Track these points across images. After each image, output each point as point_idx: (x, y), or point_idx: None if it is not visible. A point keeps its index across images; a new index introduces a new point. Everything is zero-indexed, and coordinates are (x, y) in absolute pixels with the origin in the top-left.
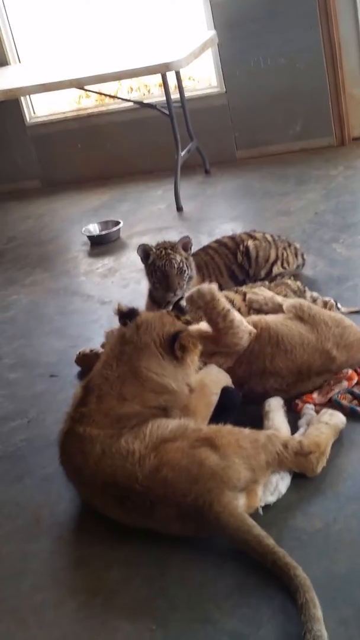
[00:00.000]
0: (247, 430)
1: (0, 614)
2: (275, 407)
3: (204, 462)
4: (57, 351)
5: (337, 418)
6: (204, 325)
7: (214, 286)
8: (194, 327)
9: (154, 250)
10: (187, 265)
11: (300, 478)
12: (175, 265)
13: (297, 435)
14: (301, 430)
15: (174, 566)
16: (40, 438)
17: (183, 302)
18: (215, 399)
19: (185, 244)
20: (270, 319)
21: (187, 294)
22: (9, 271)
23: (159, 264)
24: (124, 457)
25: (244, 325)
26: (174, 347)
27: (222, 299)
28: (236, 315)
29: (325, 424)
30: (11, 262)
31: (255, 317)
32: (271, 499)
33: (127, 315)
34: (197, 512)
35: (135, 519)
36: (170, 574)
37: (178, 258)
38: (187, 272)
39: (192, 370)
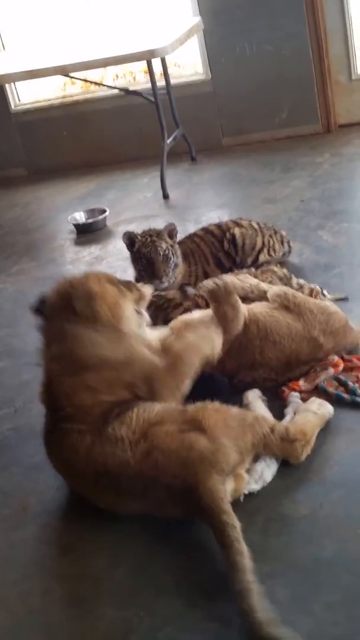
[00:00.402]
0: (234, 409)
1: None
2: (254, 398)
3: (193, 446)
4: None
5: (326, 408)
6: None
7: (232, 278)
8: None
9: (139, 237)
10: (172, 253)
11: (286, 465)
12: (161, 253)
13: (284, 422)
14: (287, 417)
15: (161, 553)
16: (27, 427)
17: (190, 289)
18: (192, 372)
19: (171, 231)
20: (257, 310)
21: (205, 285)
22: None
23: (144, 252)
24: (114, 444)
25: (243, 311)
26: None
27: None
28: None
29: (313, 413)
30: None
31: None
32: (255, 487)
33: (39, 309)
34: (184, 495)
35: (129, 504)
36: (157, 561)
37: (164, 245)
38: (172, 259)
39: (122, 324)
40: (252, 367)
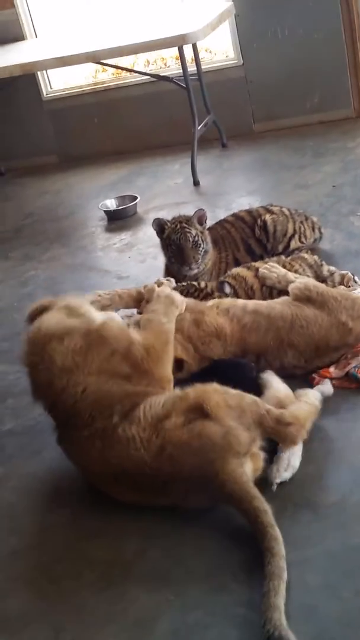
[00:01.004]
0: (232, 390)
1: (21, 585)
2: (270, 375)
3: (202, 434)
4: None
5: (314, 396)
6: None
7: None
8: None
9: (169, 224)
10: (202, 239)
11: (315, 452)
12: (191, 239)
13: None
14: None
15: (190, 537)
16: None
17: (227, 288)
18: (170, 327)
19: (201, 217)
20: (279, 303)
21: (295, 285)
22: (26, 247)
23: (174, 238)
24: (126, 446)
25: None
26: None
27: None
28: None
29: (304, 402)
30: (28, 238)
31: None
32: (286, 475)
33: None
34: (206, 484)
35: (152, 499)
36: (187, 545)
37: (193, 232)
38: (202, 245)
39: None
40: (279, 347)
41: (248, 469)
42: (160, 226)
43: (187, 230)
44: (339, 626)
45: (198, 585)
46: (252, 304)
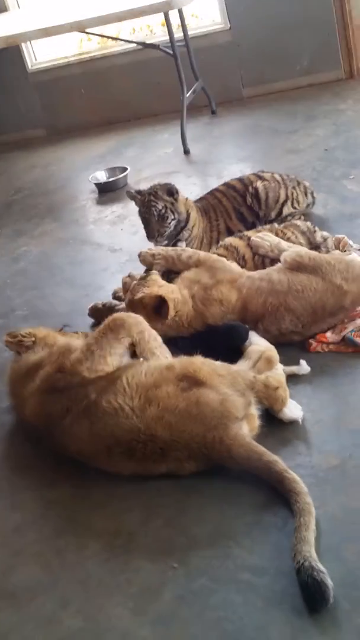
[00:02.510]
0: (216, 361)
1: (25, 558)
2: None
3: (200, 400)
4: (69, 301)
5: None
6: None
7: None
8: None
9: (138, 197)
10: (171, 211)
11: (315, 417)
12: (155, 213)
13: None
14: None
15: (193, 506)
16: None
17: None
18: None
19: (170, 189)
20: (275, 274)
21: (287, 253)
22: (17, 222)
23: (142, 211)
24: (114, 416)
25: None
26: None
27: None
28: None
29: (278, 369)
30: (19, 213)
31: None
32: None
33: None
34: (208, 449)
35: (150, 467)
36: (189, 514)
37: (159, 205)
38: (170, 217)
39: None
40: (277, 312)
41: (245, 430)
42: (132, 198)
43: (153, 203)
44: (342, 588)
45: (201, 553)
46: (257, 273)
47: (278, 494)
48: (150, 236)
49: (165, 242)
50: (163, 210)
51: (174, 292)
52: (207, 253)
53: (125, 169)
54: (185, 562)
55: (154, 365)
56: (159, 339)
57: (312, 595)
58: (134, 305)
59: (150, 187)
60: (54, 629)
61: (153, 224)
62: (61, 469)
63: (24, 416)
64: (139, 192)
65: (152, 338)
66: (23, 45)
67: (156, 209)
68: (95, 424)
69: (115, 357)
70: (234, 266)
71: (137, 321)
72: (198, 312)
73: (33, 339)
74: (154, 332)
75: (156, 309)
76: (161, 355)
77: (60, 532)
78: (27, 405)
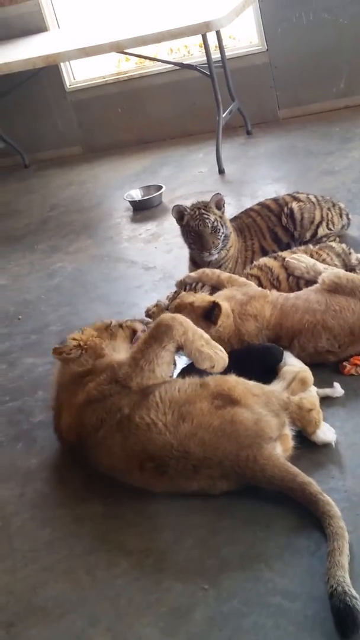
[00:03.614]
0: (249, 381)
1: (55, 575)
2: (287, 355)
3: (235, 419)
4: (103, 317)
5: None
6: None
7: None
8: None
9: (188, 210)
10: (221, 224)
11: (349, 438)
12: (209, 225)
13: None
14: None
15: (224, 527)
16: None
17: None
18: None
19: (218, 202)
20: (313, 294)
21: (326, 275)
22: (53, 239)
23: (193, 224)
24: (147, 431)
25: None
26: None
27: None
28: None
29: (312, 391)
30: (55, 230)
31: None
32: (332, 436)
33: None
34: (241, 468)
35: (181, 484)
36: (221, 535)
37: (212, 217)
38: (221, 230)
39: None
40: (314, 329)
41: (279, 450)
42: (179, 213)
43: (206, 216)
44: None
45: (232, 575)
46: (293, 293)
47: (310, 517)
48: (205, 248)
49: (216, 255)
50: (215, 223)
51: (223, 302)
52: (233, 275)
53: (160, 188)
54: (216, 584)
55: (187, 381)
56: (206, 336)
57: (343, 621)
58: (182, 309)
59: (195, 203)
60: None
61: (207, 236)
62: (92, 487)
63: (57, 425)
64: (186, 207)
65: (198, 336)
66: (62, 64)
67: (209, 221)
68: (128, 438)
69: (163, 367)
70: (259, 289)
71: (179, 322)
72: (236, 328)
73: (79, 352)
74: (199, 330)
75: (206, 315)
76: (210, 352)
77: (90, 549)
78: (63, 415)
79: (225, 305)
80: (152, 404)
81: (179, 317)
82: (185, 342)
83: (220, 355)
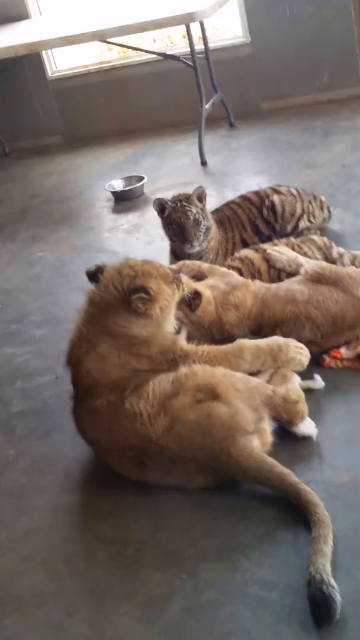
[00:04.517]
0: (238, 374)
1: (33, 566)
2: None
3: (212, 413)
4: None
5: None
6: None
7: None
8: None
9: (169, 203)
10: (202, 216)
11: (328, 431)
12: (191, 217)
13: None
14: None
15: (202, 518)
16: (68, 393)
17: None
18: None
19: (200, 195)
20: (296, 284)
21: (308, 266)
22: (33, 228)
23: (174, 217)
24: (132, 419)
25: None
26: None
27: None
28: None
29: (296, 382)
30: (35, 220)
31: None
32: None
33: (95, 275)
34: (215, 462)
35: (158, 477)
36: (199, 525)
37: (193, 209)
38: (203, 222)
39: (164, 322)
40: (297, 320)
41: (256, 444)
42: (160, 206)
43: (188, 208)
44: (352, 606)
45: (210, 565)
46: (276, 284)
47: (288, 509)
48: (187, 240)
49: (198, 247)
50: (197, 215)
51: (205, 290)
52: (214, 265)
53: (141, 178)
54: (193, 574)
55: (179, 372)
56: (273, 343)
57: (318, 609)
58: None
59: (177, 195)
60: (60, 637)
61: (189, 228)
62: (71, 477)
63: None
64: (167, 200)
65: (269, 355)
66: (44, 52)
67: (191, 213)
68: (114, 422)
69: None
70: (241, 278)
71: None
72: (218, 316)
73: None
74: (264, 346)
75: (187, 302)
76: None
77: (69, 539)
78: (89, 360)
79: (207, 293)
80: (143, 393)
81: (249, 350)
82: (264, 367)
83: (304, 354)
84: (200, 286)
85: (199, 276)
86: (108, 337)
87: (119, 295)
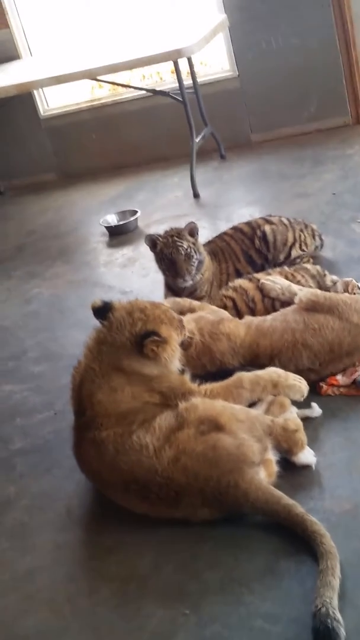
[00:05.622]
0: (236, 405)
1: (36, 604)
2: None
3: (217, 445)
4: (81, 343)
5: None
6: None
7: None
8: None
9: (160, 239)
10: (194, 251)
11: (327, 459)
12: (183, 252)
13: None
14: None
15: (204, 551)
16: (67, 429)
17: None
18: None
19: (192, 230)
20: (291, 314)
21: (302, 294)
22: (29, 265)
23: (166, 252)
24: (138, 452)
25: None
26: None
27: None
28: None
29: (293, 412)
30: (32, 256)
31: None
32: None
33: (101, 310)
34: (223, 494)
35: (163, 511)
36: (201, 559)
37: (185, 244)
38: (195, 256)
39: (172, 365)
40: (294, 348)
41: (263, 475)
42: (152, 241)
43: (179, 243)
44: (355, 635)
45: (213, 599)
46: (270, 315)
47: (290, 540)
48: (179, 275)
49: (190, 282)
50: (189, 249)
51: (187, 323)
52: (204, 303)
53: (135, 212)
54: (197, 609)
55: (182, 406)
56: (274, 374)
57: None
58: None
59: (168, 230)
60: None
61: (181, 263)
62: (73, 514)
63: (77, 393)
64: (159, 235)
65: (269, 383)
66: (35, 92)
67: (183, 248)
68: (120, 454)
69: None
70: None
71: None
72: (206, 346)
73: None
74: (265, 377)
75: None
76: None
77: (71, 577)
78: (92, 388)
79: (189, 326)
80: (150, 428)
81: (248, 379)
82: (265, 394)
83: (303, 383)
84: (186, 319)
85: (189, 313)
86: (121, 373)
87: (132, 339)
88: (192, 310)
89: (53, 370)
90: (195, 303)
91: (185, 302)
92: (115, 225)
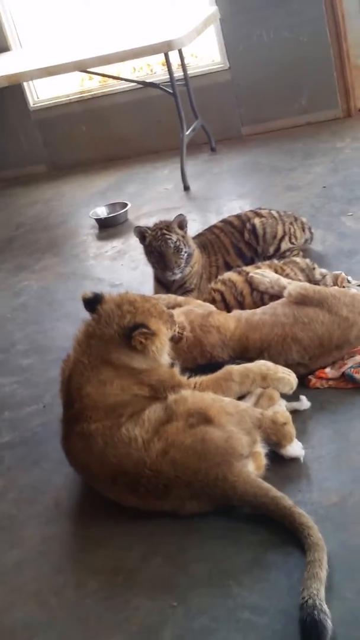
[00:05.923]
0: (226, 398)
1: (23, 597)
2: None
3: (206, 438)
4: (70, 336)
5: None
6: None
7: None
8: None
9: (149, 231)
10: (183, 243)
11: (315, 452)
12: (172, 245)
13: None
14: None
15: (192, 544)
16: (56, 422)
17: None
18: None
19: (181, 222)
20: (280, 307)
21: (291, 287)
22: (18, 257)
23: (155, 245)
24: (127, 445)
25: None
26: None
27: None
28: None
29: (282, 405)
30: (21, 249)
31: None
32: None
33: (92, 302)
34: (211, 487)
35: (151, 503)
36: (189, 552)
37: (174, 237)
38: (184, 249)
39: (161, 358)
40: (284, 342)
41: (251, 468)
42: (141, 234)
43: (168, 236)
44: (342, 627)
45: (201, 591)
46: (259, 309)
47: (278, 532)
48: (168, 268)
49: (179, 274)
50: (178, 242)
51: (178, 316)
52: (190, 298)
53: (125, 205)
54: (184, 601)
55: (171, 399)
56: (263, 366)
57: (308, 635)
58: None
59: (157, 223)
60: None
61: (170, 256)
62: (61, 506)
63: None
64: (148, 227)
65: (259, 375)
66: (25, 83)
67: (172, 241)
68: (109, 447)
69: None
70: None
71: (239, 376)
72: (197, 339)
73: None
74: (254, 369)
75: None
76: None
77: (59, 569)
78: (81, 381)
79: (179, 320)
80: (139, 420)
81: (237, 371)
82: (254, 386)
83: (292, 376)
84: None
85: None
86: (110, 366)
87: (120, 331)
88: (178, 305)
89: (42, 363)
90: (180, 298)
91: (170, 297)
92: (105, 218)
